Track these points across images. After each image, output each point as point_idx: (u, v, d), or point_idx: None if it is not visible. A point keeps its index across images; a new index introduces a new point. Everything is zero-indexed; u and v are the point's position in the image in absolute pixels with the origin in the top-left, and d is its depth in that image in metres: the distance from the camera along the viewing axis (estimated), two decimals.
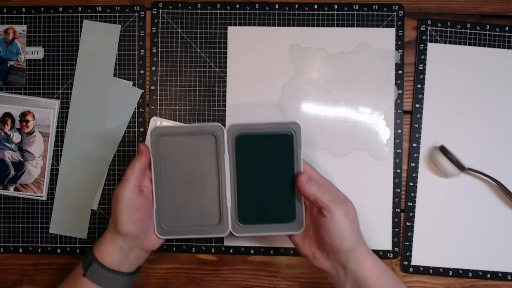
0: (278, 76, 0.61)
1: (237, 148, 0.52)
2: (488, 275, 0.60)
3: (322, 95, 0.61)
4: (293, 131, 0.52)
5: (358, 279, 0.50)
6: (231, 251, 0.62)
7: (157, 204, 0.53)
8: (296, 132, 0.52)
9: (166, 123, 0.61)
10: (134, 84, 0.62)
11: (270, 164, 0.52)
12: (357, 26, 0.61)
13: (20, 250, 0.62)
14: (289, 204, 0.53)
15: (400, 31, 0.61)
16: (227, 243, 0.62)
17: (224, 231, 0.53)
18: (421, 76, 0.61)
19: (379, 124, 0.61)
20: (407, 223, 0.61)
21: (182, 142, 0.53)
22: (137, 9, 0.62)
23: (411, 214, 0.61)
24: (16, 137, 0.62)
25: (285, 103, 0.61)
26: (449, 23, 0.61)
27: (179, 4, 0.62)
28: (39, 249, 0.62)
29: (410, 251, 0.60)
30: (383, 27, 0.61)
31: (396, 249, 0.61)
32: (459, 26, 0.61)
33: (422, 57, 0.61)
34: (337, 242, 0.49)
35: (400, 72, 0.61)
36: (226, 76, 0.62)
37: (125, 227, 0.50)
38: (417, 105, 0.61)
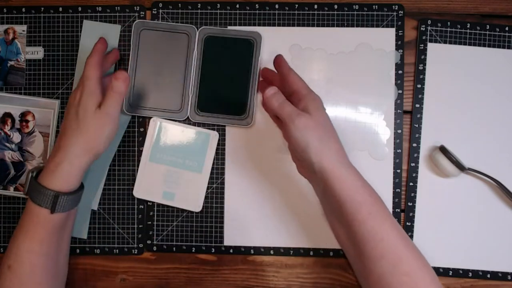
0: None
1: (205, 47, 0.61)
2: (488, 275, 0.60)
3: (322, 95, 0.61)
4: (254, 39, 0.60)
5: (326, 190, 0.49)
6: (231, 251, 0.62)
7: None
8: (257, 40, 0.60)
9: (166, 123, 0.61)
10: None
11: (231, 64, 0.60)
12: (357, 26, 0.61)
13: None
14: (243, 101, 0.60)
15: (400, 31, 0.61)
16: (227, 243, 0.62)
17: (183, 116, 0.61)
18: (421, 76, 0.61)
19: (379, 124, 0.61)
20: (407, 223, 0.61)
21: (159, 36, 0.61)
22: (137, 9, 0.62)
23: (411, 214, 0.61)
24: (16, 137, 0.62)
25: None
26: (449, 23, 0.61)
27: (179, 4, 0.62)
28: None
29: None
30: (383, 27, 0.61)
31: None
32: (459, 26, 0.61)
33: (422, 57, 0.61)
34: (299, 151, 0.50)
35: (400, 72, 0.61)
36: None
37: (104, 148, 0.53)
38: (417, 105, 0.61)
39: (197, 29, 0.61)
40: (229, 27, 0.61)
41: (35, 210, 0.51)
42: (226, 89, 0.60)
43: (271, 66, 0.58)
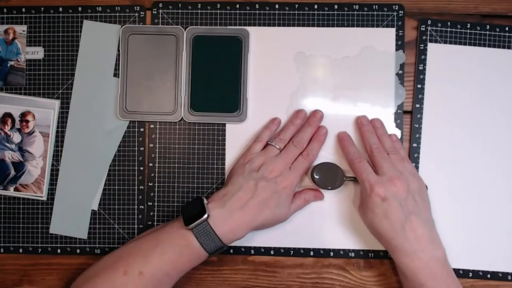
0: (284, 83, 0.62)
1: (194, 47, 0.61)
2: (488, 275, 0.60)
3: (329, 100, 0.61)
4: (242, 36, 0.60)
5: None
6: (231, 251, 0.61)
7: (121, 91, 0.61)
8: (245, 37, 0.60)
9: None
10: None
11: (220, 62, 0.61)
12: (357, 26, 0.61)
13: (20, 250, 0.62)
14: (235, 98, 0.61)
15: (400, 31, 0.61)
16: None
17: (177, 118, 0.61)
18: (421, 76, 0.61)
19: None
20: None
21: (147, 40, 0.61)
22: (137, 9, 0.62)
23: None
24: (16, 137, 0.62)
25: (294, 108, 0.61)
26: (449, 23, 0.61)
27: (179, 4, 0.62)
28: (39, 249, 0.62)
29: None
30: (383, 27, 0.61)
31: None
32: (459, 26, 0.61)
33: (422, 57, 0.61)
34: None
35: (400, 72, 0.61)
36: None
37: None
38: (417, 105, 0.61)
39: (185, 30, 0.61)
40: (217, 26, 0.62)
41: (197, 250, 0.52)
42: (218, 87, 0.61)
43: (262, 62, 0.60)
